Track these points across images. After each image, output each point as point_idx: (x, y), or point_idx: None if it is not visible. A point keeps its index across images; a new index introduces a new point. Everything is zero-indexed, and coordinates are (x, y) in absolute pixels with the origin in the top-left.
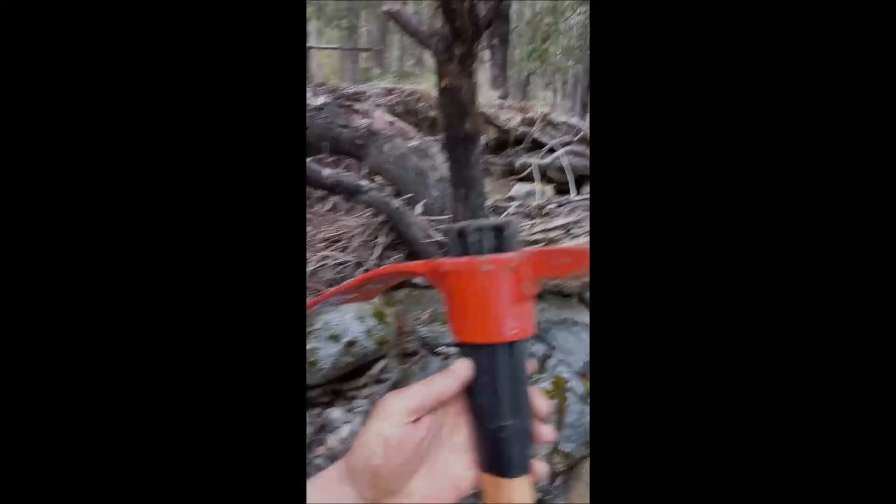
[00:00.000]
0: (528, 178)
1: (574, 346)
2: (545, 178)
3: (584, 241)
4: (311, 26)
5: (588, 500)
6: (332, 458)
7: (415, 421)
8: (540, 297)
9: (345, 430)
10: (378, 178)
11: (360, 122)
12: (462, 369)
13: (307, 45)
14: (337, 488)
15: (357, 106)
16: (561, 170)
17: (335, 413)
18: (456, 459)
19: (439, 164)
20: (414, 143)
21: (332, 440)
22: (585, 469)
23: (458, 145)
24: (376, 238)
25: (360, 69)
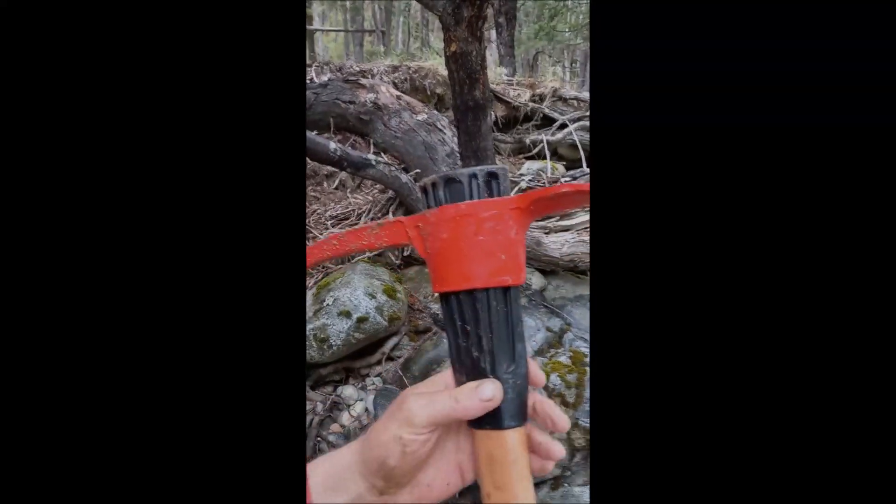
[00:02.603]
0: (539, 156)
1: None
2: (556, 155)
3: None
4: (315, 9)
5: None
6: (346, 436)
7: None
8: (555, 274)
9: (358, 408)
10: (385, 155)
11: (366, 96)
12: (491, 391)
13: (312, 28)
14: (348, 475)
15: (363, 81)
16: (572, 146)
17: (348, 390)
18: (463, 447)
19: (448, 137)
20: (422, 117)
21: (345, 418)
22: None
23: (468, 114)
24: (385, 215)
25: (364, 52)
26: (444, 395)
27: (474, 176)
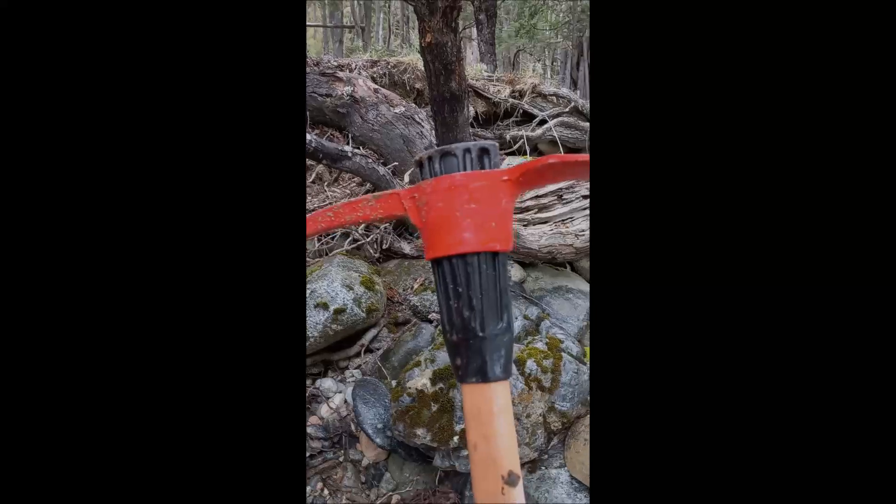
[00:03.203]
0: (519, 152)
1: (568, 312)
2: (536, 150)
3: (576, 206)
4: None
5: (585, 459)
6: (325, 427)
7: None
8: (534, 266)
9: (337, 400)
10: (363, 148)
11: (343, 89)
12: None
13: None
14: None
15: (340, 74)
16: (552, 142)
17: (327, 382)
18: None
19: (426, 130)
20: (399, 110)
21: (324, 410)
22: (582, 427)
23: (445, 105)
24: None
25: (344, 48)
26: None
27: (468, 150)
